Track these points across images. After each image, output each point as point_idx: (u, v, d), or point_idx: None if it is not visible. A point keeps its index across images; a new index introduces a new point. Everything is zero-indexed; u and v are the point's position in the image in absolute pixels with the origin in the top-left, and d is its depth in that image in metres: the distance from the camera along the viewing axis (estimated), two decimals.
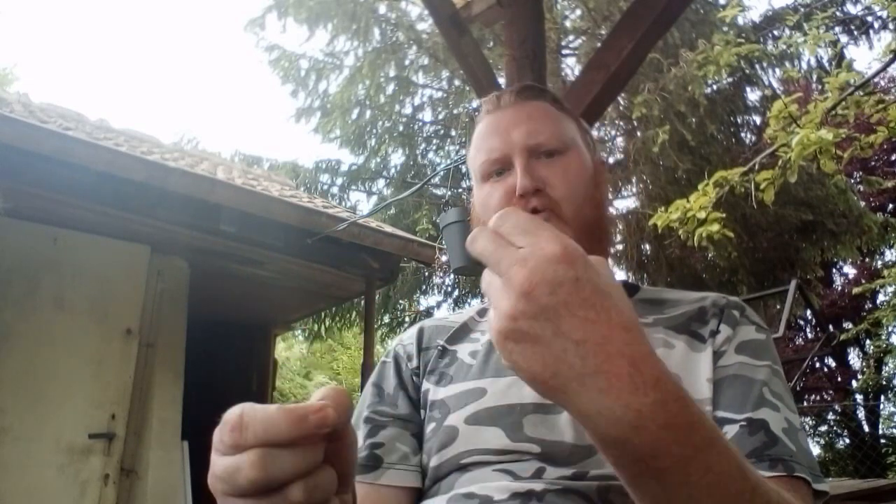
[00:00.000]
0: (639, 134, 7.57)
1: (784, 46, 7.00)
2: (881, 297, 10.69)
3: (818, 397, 11.89)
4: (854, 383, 11.85)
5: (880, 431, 11.49)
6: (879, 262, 11.05)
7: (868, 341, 11.32)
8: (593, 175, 0.84)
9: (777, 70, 8.04)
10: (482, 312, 0.91)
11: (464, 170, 8.19)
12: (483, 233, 0.46)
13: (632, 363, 0.42)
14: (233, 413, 0.41)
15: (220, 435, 0.41)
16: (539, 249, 0.43)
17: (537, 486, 0.66)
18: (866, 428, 11.41)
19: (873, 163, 9.80)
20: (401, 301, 9.33)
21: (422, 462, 0.77)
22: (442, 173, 8.08)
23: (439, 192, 8.61)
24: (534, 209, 0.78)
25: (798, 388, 9.33)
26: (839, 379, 11.56)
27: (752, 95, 8.30)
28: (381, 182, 9.46)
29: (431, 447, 0.75)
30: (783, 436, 0.65)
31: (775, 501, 0.49)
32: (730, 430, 0.67)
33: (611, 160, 8.23)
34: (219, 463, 0.41)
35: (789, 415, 0.68)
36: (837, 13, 7.84)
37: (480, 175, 0.85)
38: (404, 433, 0.78)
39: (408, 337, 0.89)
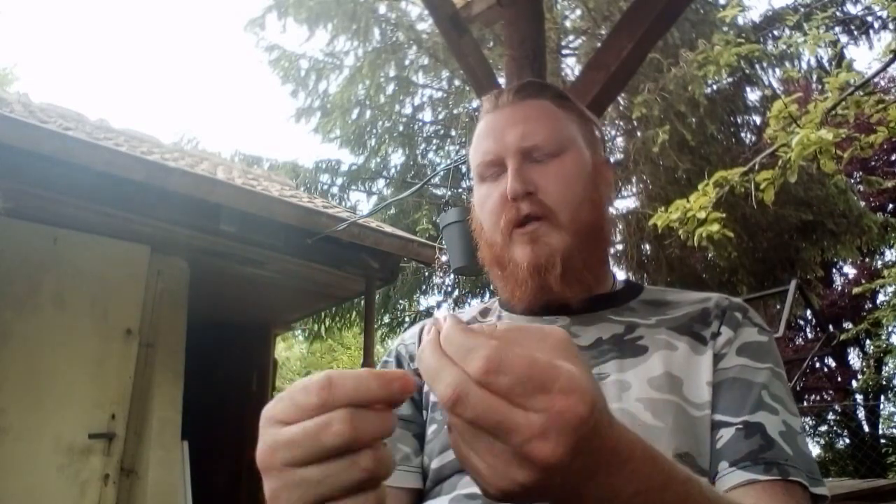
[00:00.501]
0: (639, 134, 7.57)
1: (784, 46, 7.00)
2: (881, 297, 10.70)
3: (818, 397, 11.90)
4: (854, 383, 11.85)
5: (880, 431, 11.50)
6: (879, 262, 11.06)
7: (868, 341, 11.32)
8: (593, 175, 0.83)
9: (777, 70, 8.04)
10: (485, 312, 0.91)
11: (464, 170, 8.18)
12: (472, 393, 0.37)
13: (613, 452, 0.40)
14: (317, 376, 0.40)
15: (295, 399, 0.40)
16: (560, 416, 0.36)
17: None
18: (866, 428, 11.42)
19: (873, 163, 9.81)
20: (401, 301, 9.33)
21: (423, 463, 0.76)
22: (442, 173, 8.07)
23: (439, 192, 8.61)
24: (526, 216, 0.78)
25: (798, 388, 9.33)
26: (839, 379, 11.57)
27: (752, 95, 8.30)
28: (381, 182, 9.46)
29: (433, 449, 0.75)
30: (779, 439, 0.64)
31: None
32: (725, 434, 0.66)
33: (611, 160, 8.22)
34: (287, 431, 0.40)
35: (788, 418, 0.67)
36: (837, 13, 7.83)
37: (477, 175, 0.85)
38: (406, 434, 0.78)
39: (409, 336, 0.89)
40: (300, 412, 0.40)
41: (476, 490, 0.67)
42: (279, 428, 0.40)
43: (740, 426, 0.66)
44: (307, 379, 0.41)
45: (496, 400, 0.37)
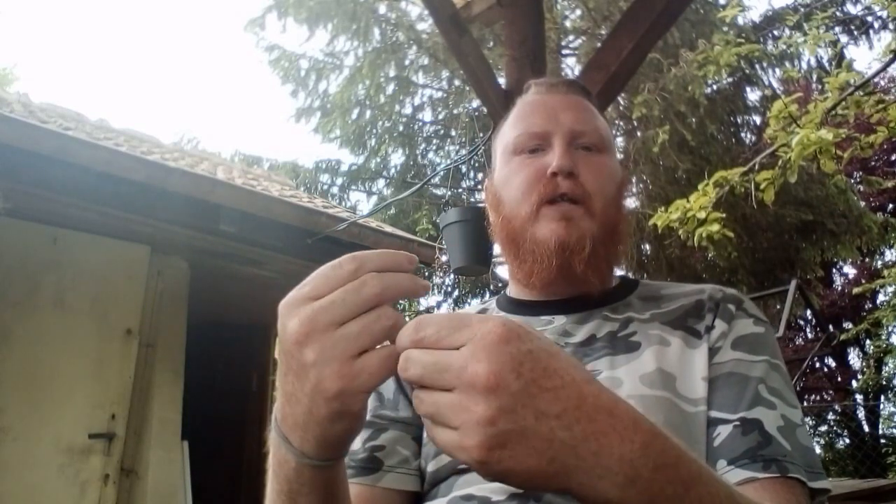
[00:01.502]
0: (639, 134, 7.57)
1: (784, 46, 7.01)
2: (881, 297, 10.70)
3: (818, 397, 11.90)
4: (854, 383, 11.87)
5: (880, 431, 11.50)
6: (879, 262, 11.06)
7: (868, 341, 11.33)
8: (620, 182, 0.85)
9: (777, 70, 8.04)
10: (482, 312, 0.90)
11: (464, 170, 8.18)
12: (411, 354, 0.43)
13: (609, 413, 0.42)
14: (342, 258, 0.48)
15: (326, 276, 0.47)
16: (483, 337, 0.40)
17: None
18: (866, 428, 11.42)
19: (873, 163, 9.81)
20: (401, 301, 9.32)
21: (421, 466, 0.76)
22: (442, 173, 8.07)
23: (439, 192, 8.61)
24: (563, 194, 0.78)
25: (798, 388, 9.32)
26: (839, 379, 11.58)
27: (752, 95, 8.31)
28: (381, 182, 9.47)
29: (429, 452, 0.75)
30: (777, 435, 0.64)
31: None
32: (723, 431, 0.66)
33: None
34: (328, 297, 0.46)
35: (787, 411, 0.67)
36: (837, 13, 7.84)
37: (513, 147, 0.84)
38: (405, 437, 0.78)
39: None
40: (335, 282, 0.46)
41: (472, 491, 0.67)
42: (313, 301, 0.46)
43: (737, 423, 0.65)
44: (330, 263, 0.48)
45: (429, 351, 0.42)
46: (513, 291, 0.89)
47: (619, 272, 0.90)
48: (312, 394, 0.45)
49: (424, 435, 0.77)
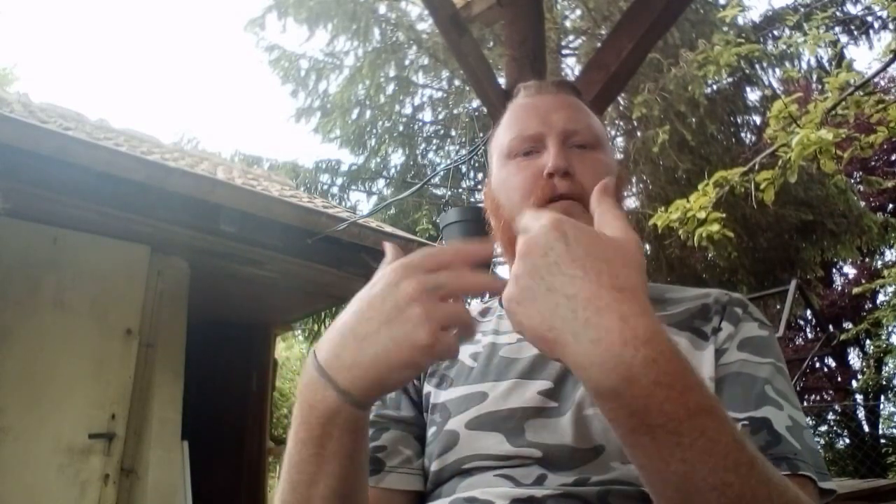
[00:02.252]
0: (639, 134, 7.57)
1: (784, 46, 7.01)
2: (881, 297, 10.70)
3: (818, 397, 11.89)
4: (854, 383, 11.86)
5: (880, 431, 11.49)
6: (879, 262, 11.06)
7: (868, 341, 11.32)
8: (617, 178, 0.84)
9: (777, 70, 8.05)
10: (484, 312, 0.90)
11: (464, 170, 8.19)
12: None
13: (621, 318, 0.45)
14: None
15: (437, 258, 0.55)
16: (536, 222, 0.51)
17: (538, 492, 0.65)
18: (866, 428, 11.41)
19: (873, 163, 9.80)
20: None
21: (424, 465, 0.76)
22: (442, 173, 8.07)
23: (439, 192, 8.61)
24: (560, 195, 0.77)
25: (798, 388, 9.32)
26: (839, 379, 11.57)
27: (752, 95, 8.31)
28: (381, 182, 9.46)
29: (433, 451, 0.74)
30: (787, 434, 0.64)
31: (776, 480, 0.49)
32: None
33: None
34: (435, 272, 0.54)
35: (793, 412, 0.67)
36: (837, 13, 7.84)
37: (507, 151, 0.83)
38: (407, 436, 0.78)
39: None
40: (437, 265, 0.54)
41: (475, 494, 0.67)
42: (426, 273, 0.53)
43: (746, 422, 0.65)
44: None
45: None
46: None
47: None
48: (402, 340, 0.51)
49: (428, 434, 0.77)
